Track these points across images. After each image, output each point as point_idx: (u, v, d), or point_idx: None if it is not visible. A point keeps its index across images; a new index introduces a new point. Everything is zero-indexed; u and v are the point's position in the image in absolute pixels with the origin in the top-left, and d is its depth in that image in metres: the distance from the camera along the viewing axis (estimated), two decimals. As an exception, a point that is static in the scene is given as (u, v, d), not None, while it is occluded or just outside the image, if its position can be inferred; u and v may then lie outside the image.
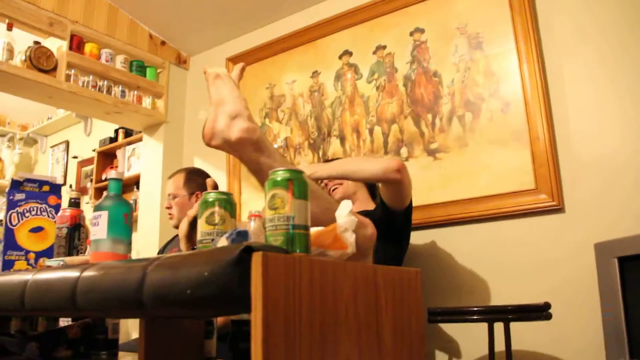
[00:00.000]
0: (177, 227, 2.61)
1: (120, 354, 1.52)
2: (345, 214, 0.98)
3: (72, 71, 3.07)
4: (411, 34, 2.68)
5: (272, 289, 0.77)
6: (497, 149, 2.33)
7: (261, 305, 0.75)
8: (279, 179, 0.91)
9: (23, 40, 2.97)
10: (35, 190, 1.58)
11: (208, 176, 2.71)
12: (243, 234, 0.90)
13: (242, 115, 1.32)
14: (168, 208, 2.61)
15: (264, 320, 0.75)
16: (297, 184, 0.91)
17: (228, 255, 0.78)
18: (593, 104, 2.16)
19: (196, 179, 2.64)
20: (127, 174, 4.22)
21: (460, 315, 2.06)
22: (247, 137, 1.27)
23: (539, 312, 1.87)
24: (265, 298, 0.75)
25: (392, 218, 2.01)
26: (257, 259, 0.76)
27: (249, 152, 1.29)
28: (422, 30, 2.64)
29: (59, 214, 1.52)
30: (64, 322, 1.64)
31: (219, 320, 1.41)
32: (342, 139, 2.84)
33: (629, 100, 2.09)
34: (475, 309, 2.02)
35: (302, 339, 0.81)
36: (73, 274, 1.07)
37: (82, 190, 4.72)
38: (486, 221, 2.32)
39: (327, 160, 2.66)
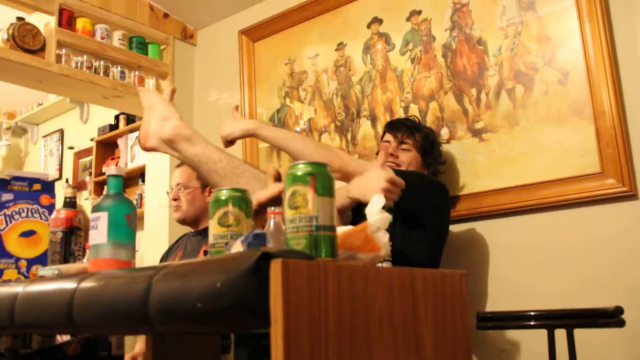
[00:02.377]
0: (181, 221, 2.65)
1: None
2: (376, 211, 0.98)
3: (63, 51, 3.10)
4: (450, -5, 2.65)
5: (294, 301, 0.77)
6: (554, 127, 2.29)
7: (282, 319, 0.75)
8: (299, 173, 0.91)
9: (4, 16, 3.00)
10: (25, 190, 1.61)
11: None
12: (260, 237, 0.90)
13: (173, 116, 1.75)
14: (175, 200, 2.64)
15: (285, 336, 0.75)
16: (321, 178, 0.90)
17: (243, 263, 0.78)
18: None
19: None
20: (131, 166, 4.28)
21: (515, 320, 2.05)
22: (179, 133, 1.69)
23: (609, 317, 1.84)
24: (286, 311, 0.76)
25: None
26: (276, 266, 0.76)
27: (184, 147, 1.69)
28: (463, -9, 2.61)
29: (53, 215, 1.54)
30: (61, 337, 1.67)
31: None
32: (374, 120, 2.83)
33: None
34: (533, 313, 2.00)
35: (330, 355, 0.82)
36: (69, 285, 1.08)
37: (80, 185, 4.80)
38: (543, 211, 2.29)
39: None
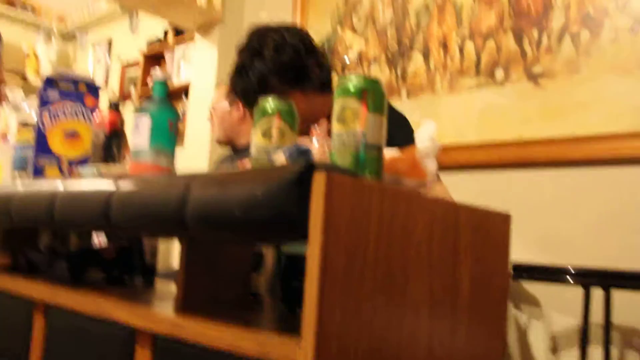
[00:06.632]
0: (219, 141, 2.69)
1: (158, 280, 1.57)
2: (426, 137, 0.94)
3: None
4: None
5: (335, 217, 0.74)
6: (618, 78, 2.19)
7: (321, 234, 0.73)
8: (351, 87, 0.88)
9: None
10: (71, 90, 1.61)
11: None
12: (304, 152, 0.88)
13: None
14: (210, 122, 2.71)
15: (322, 251, 0.74)
16: (374, 95, 0.87)
17: (286, 174, 0.76)
18: None
19: None
20: (176, 81, 4.27)
21: (552, 274, 2.02)
22: None
23: (653, 281, 1.81)
24: (326, 227, 0.73)
25: None
26: (319, 180, 0.74)
27: None
28: None
29: (97, 117, 1.54)
30: (98, 242, 1.70)
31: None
32: (426, 54, 2.75)
33: None
34: (571, 269, 1.97)
35: (366, 277, 0.80)
36: (108, 185, 1.08)
37: (125, 97, 4.83)
38: (595, 165, 2.22)
39: None
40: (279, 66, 1.67)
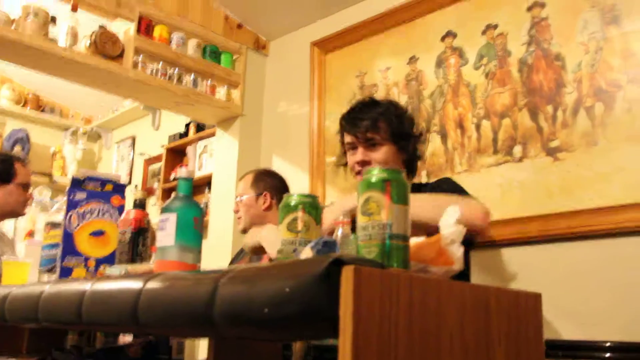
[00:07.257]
0: (244, 231, 2.69)
1: (186, 376, 1.54)
2: (451, 223, 0.94)
3: (140, 57, 3.17)
4: (529, 9, 2.57)
5: (364, 310, 0.74)
6: (635, 148, 2.19)
7: (351, 329, 0.72)
8: (374, 179, 0.88)
9: (88, 23, 3.11)
10: (97, 190, 1.63)
11: (280, 178, 2.76)
12: (330, 244, 0.88)
13: None
14: (236, 212, 2.70)
15: (354, 346, 0.72)
16: (396, 185, 0.88)
17: (313, 269, 0.76)
18: None
19: (265, 179, 2.71)
20: (198, 174, 4.33)
21: (589, 351, 1.96)
22: None
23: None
24: (356, 320, 0.72)
25: None
26: (347, 273, 0.73)
27: None
28: (542, 5, 2.53)
29: (122, 216, 1.56)
30: (124, 339, 1.68)
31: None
32: (444, 136, 2.77)
33: None
34: (608, 344, 1.91)
35: (399, 371, 0.78)
36: (135, 285, 1.08)
37: (149, 191, 4.89)
38: (621, 236, 2.18)
39: None
40: (392, 113, 1.94)
